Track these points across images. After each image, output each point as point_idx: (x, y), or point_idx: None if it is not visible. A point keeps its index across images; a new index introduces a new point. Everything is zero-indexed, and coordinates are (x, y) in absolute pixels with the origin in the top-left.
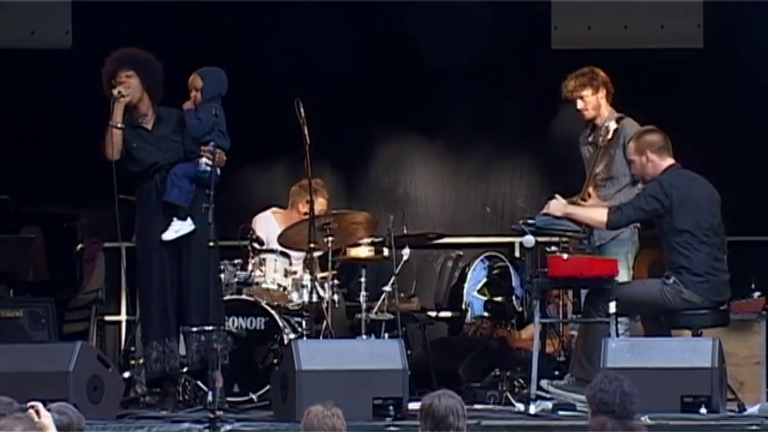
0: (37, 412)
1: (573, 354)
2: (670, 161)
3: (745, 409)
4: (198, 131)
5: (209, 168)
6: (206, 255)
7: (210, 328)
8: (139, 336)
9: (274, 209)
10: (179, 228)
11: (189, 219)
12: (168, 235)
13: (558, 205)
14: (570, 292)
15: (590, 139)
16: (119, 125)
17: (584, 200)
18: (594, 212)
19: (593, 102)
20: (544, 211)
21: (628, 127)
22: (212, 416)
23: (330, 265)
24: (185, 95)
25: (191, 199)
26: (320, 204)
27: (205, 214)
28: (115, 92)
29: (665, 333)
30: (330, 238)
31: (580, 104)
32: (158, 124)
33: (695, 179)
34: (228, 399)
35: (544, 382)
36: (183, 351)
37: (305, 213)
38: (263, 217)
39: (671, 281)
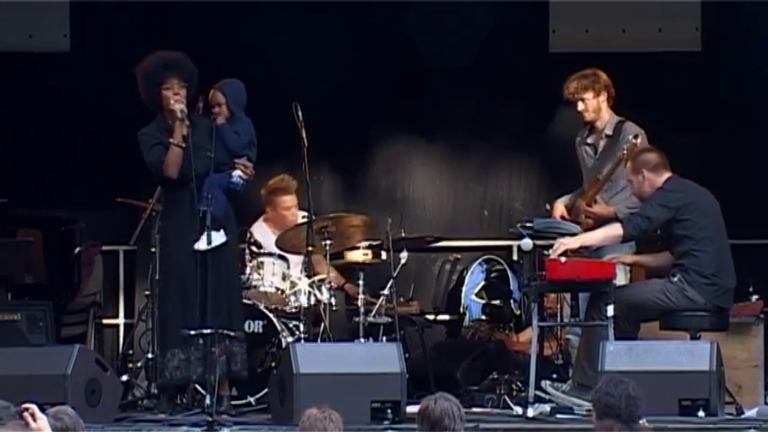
0: (32, 415)
1: (575, 360)
2: (667, 175)
3: (743, 413)
4: (237, 145)
5: (241, 181)
6: (233, 264)
7: (209, 331)
8: (145, 339)
9: (264, 216)
10: (213, 238)
11: (222, 230)
12: (201, 245)
13: (571, 239)
14: (568, 296)
15: (588, 140)
16: (183, 145)
17: (590, 205)
18: (608, 230)
19: (594, 105)
20: (560, 251)
21: (630, 130)
22: (210, 419)
23: (328, 269)
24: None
25: (224, 210)
26: (290, 201)
27: (202, 218)
28: (179, 110)
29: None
30: (328, 242)
31: (581, 106)
32: (193, 133)
33: (698, 187)
34: None
35: (544, 383)
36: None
37: (284, 208)
38: (257, 227)
39: (676, 278)
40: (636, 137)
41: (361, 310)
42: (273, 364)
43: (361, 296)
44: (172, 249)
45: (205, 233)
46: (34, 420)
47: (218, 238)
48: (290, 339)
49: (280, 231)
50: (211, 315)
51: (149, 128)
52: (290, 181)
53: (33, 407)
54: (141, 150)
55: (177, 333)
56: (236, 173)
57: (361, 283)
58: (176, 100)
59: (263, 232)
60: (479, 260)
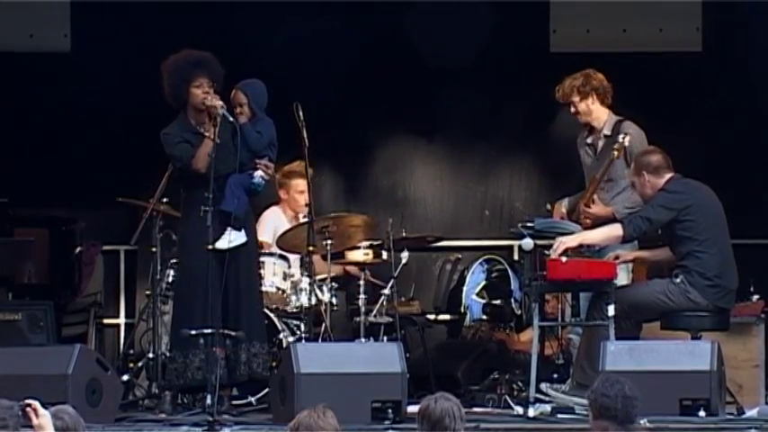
0: (35, 411)
1: (575, 359)
2: (668, 176)
3: (743, 413)
4: (259, 145)
5: (263, 182)
6: (253, 265)
7: (210, 331)
8: (146, 339)
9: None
10: (234, 238)
11: (242, 230)
12: (222, 244)
13: (570, 237)
14: (569, 296)
15: (588, 140)
16: (218, 141)
17: (588, 206)
18: (609, 230)
19: (583, 107)
20: (560, 249)
21: (626, 130)
22: (211, 419)
23: (329, 269)
24: None
25: (245, 210)
26: (303, 185)
27: (203, 217)
28: (219, 106)
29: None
30: (329, 242)
31: (572, 109)
32: (221, 132)
33: (701, 186)
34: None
35: (543, 386)
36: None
37: (298, 192)
38: (273, 211)
39: (678, 280)
40: (624, 136)
41: (362, 309)
42: (274, 364)
43: (361, 296)
44: (190, 250)
45: (225, 233)
46: (36, 416)
47: (240, 237)
48: (290, 339)
49: (293, 214)
50: (231, 316)
51: (172, 127)
52: (305, 166)
53: (36, 403)
54: (165, 149)
55: (197, 335)
56: (258, 173)
57: (361, 283)
58: (213, 97)
59: (278, 218)
60: (480, 260)
